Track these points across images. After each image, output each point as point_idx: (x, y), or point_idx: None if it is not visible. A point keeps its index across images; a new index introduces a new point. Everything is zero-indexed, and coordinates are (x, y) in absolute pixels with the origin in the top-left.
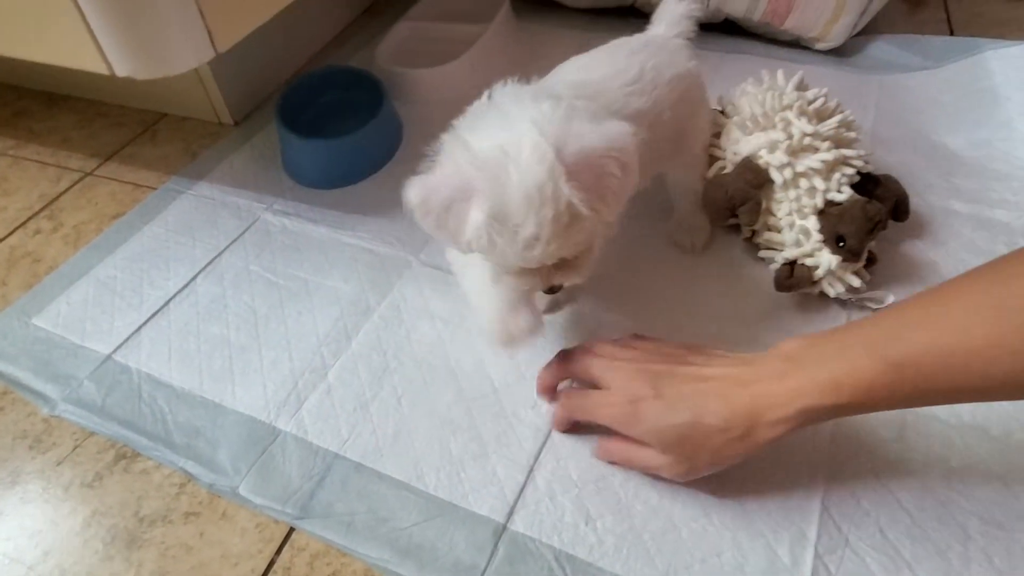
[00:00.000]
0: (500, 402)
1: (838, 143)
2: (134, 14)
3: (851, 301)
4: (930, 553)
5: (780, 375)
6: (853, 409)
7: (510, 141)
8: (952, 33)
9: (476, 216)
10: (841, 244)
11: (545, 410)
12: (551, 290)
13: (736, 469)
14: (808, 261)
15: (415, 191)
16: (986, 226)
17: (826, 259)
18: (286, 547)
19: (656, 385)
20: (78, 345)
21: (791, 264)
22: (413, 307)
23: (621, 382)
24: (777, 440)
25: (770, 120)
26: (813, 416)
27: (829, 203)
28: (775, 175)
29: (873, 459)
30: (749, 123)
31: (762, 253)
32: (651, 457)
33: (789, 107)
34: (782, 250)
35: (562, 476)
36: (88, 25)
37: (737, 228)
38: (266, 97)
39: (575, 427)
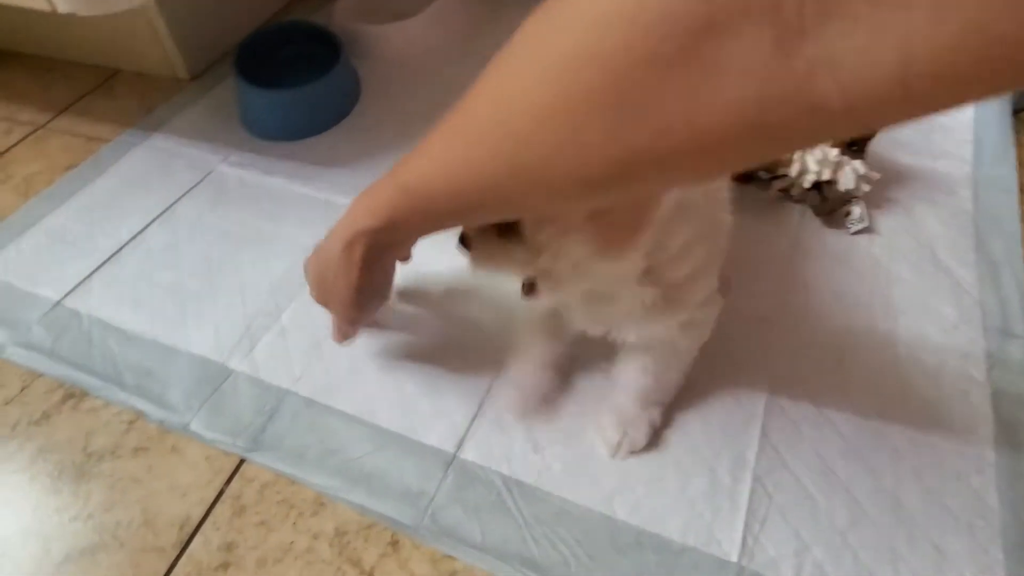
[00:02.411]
0: (455, 340)
1: None
2: None
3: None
4: (863, 472)
5: (345, 215)
6: (392, 230)
7: None
8: None
9: None
10: (855, 148)
11: (496, 346)
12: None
13: (679, 399)
14: (831, 177)
15: None
16: (928, 175)
17: (849, 170)
18: (235, 478)
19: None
20: (27, 292)
21: (817, 190)
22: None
23: None
24: (365, 259)
25: None
26: (372, 237)
27: None
28: None
29: (812, 387)
30: None
31: (794, 192)
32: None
33: None
34: (803, 183)
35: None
36: None
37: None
38: (223, 53)
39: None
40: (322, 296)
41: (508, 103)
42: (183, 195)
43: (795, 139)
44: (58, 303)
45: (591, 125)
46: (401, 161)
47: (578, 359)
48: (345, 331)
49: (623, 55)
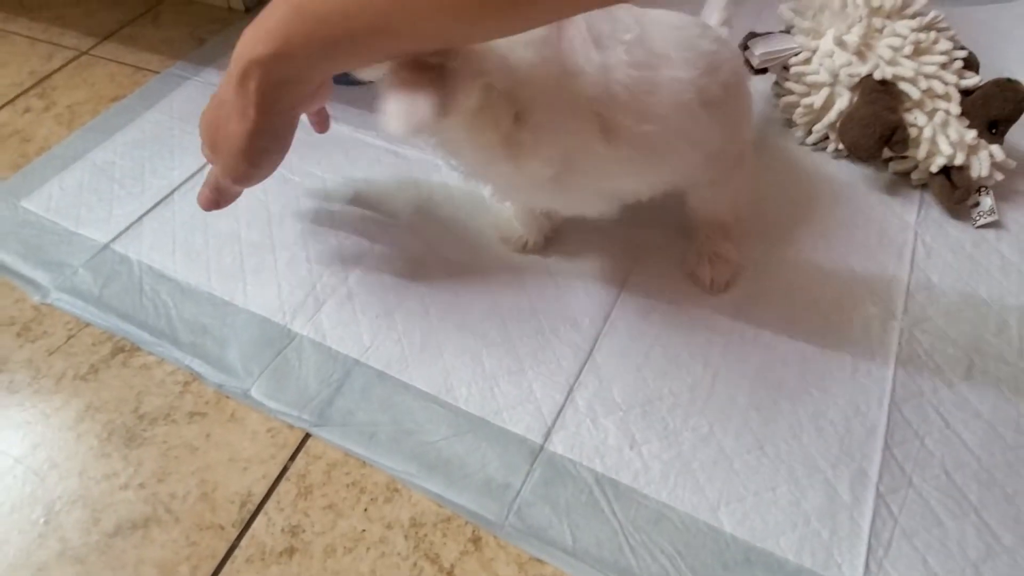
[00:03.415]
0: (537, 318)
1: (936, 29)
2: None
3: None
4: (998, 499)
5: (244, 33)
6: (289, 58)
7: None
8: None
9: None
10: (994, 131)
11: (586, 329)
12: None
13: (789, 402)
14: (964, 162)
15: None
16: None
17: (986, 154)
18: (301, 454)
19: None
20: (72, 232)
21: (945, 175)
22: (441, 213)
23: None
24: (261, 93)
25: (872, 28)
26: (268, 66)
27: (963, 94)
28: (908, 89)
29: (938, 399)
30: (848, 37)
31: (915, 176)
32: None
33: (879, 10)
34: (931, 166)
35: (605, 398)
36: None
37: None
38: None
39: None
40: (211, 143)
41: None
42: None
43: None
44: (106, 246)
45: None
46: None
47: (668, 352)
48: (225, 189)
49: None
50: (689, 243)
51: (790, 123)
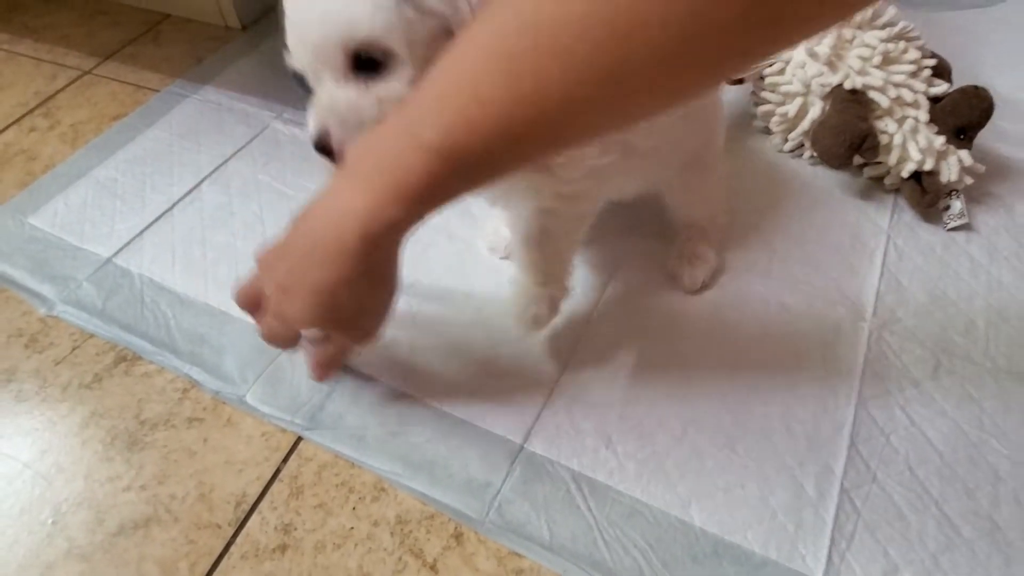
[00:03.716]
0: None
1: (905, 39)
2: None
3: (959, 226)
4: (959, 492)
5: (343, 200)
6: (429, 208)
7: None
8: None
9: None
10: (962, 137)
11: (565, 335)
12: (320, 144)
13: (760, 403)
14: (933, 167)
15: None
16: None
17: (954, 159)
18: (293, 456)
19: (278, 274)
20: (76, 247)
21: (916, 180)
22: (430, 224)
23: (265, 286)
24: (393, 255)
25: (842, 39)
26: (404, 228)
27: (932, 101)
28: (878, 98)
29: (904, 398)
30: (819, 48)
31: (887, 181)
32: (331, 344)
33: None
34: (902, 172)
35: (582, 400)
36: None
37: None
38: (276, 1)
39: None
40: (332, 321)
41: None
42: (236, 152)
43: None
44: (109, 260)
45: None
46: (414, 112)
47: (644, 356)
48: (346, 356)
49: None
50: (669, 248)
51: (768, 131)
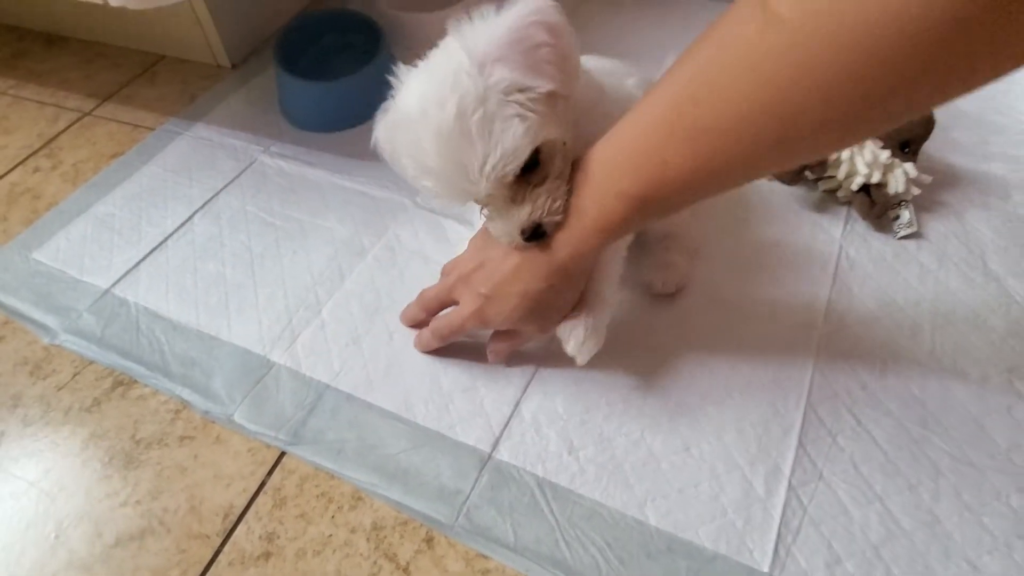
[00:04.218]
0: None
1: None
2: None
3: (909, 235)
4: (901, 488)
5: (565, 231)
6: (615, 239)
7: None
8: None
9: (405, 162)
10: (906, 150)
11: (532, 348)
12: (535, 233)
13: (715, 407)
14: (880, 179)
15: (378, 128)
16: (982, 178)
17: (900, 172)
18: (277, 470)
19: (480, 287)
20: (77, 279)
21: (865, 193)
22: (407, 248)
23: (465, 296)
24: (587, 269)
25: None
26: (596, 252)
27: None
28: None
29: (852, 400)
30: None
31: (840, 194)
32: (516, 337)
33: None
34: (851, 185)
35: (548, 409)
36: None
37: None
38: (265, 40)
39: (440, 350)
40: (534, 319)
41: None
42: (226, 185)
43: None
44: (107, 291)
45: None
46: (615, 174)
47: (607, 367)
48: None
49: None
50: (640, 261)
51: None
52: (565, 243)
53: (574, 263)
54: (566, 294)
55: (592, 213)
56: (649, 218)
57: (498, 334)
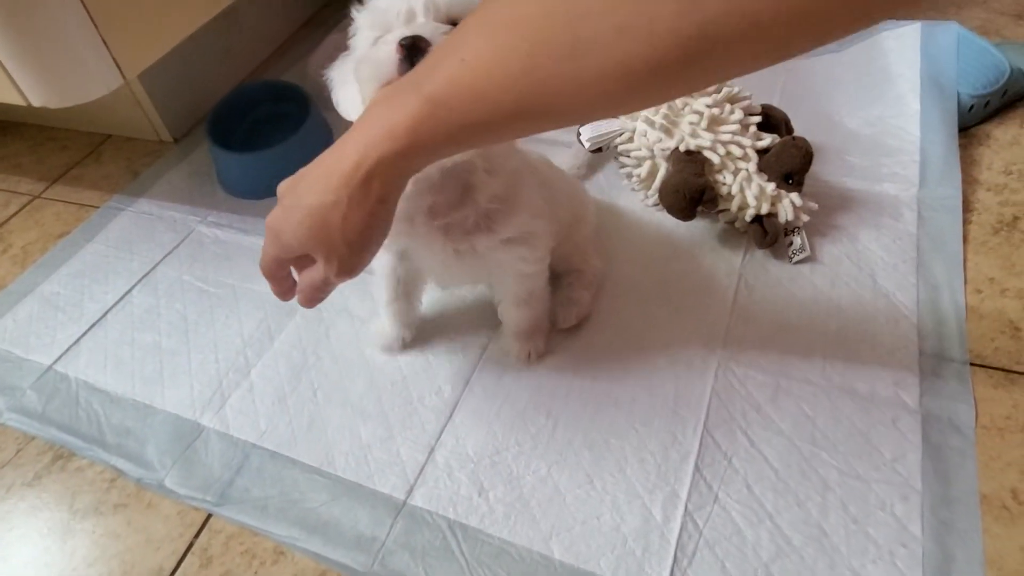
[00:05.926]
0: (407, 389)
1: (732, 101)
2: (40, 49)
3: (803, 259)
4: (791, 504)
5: (352, 134)
6: (418, 152)
7: None
8: None
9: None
10: (790, 181)
11: (447, 395)
12: (414, 47)
13: (617, 439)
14: (770, 210)
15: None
16: (875, 199)
17: (787, 202)
18: (204, 531)
19: (284, 198)
20: (23, 358)
21: (759, 223)
22: (333, 306)
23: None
24: (384, 191)
25: (675, 108)
26: (394, 164)
27: (760, 153)
28: (710, 156)
29: (746, 422)
30: (655, 117)
31: (738, 225)
32: (315, 270)
33: None
34: (745, 216)
35: (460, 453)
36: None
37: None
38: (205, 114)
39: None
40: (326, 246)
41: None
42: (164, 257)
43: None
44: (49, 368)
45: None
46: (421, 70)
47: (518, 405)
48: (330, 286)
49: None
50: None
51: (634, 190)
52: (354, 147)
53: (361, 174)
54: (352, 217)
55: (387, 115)
56: (446, 138)
57: (302, 269)
